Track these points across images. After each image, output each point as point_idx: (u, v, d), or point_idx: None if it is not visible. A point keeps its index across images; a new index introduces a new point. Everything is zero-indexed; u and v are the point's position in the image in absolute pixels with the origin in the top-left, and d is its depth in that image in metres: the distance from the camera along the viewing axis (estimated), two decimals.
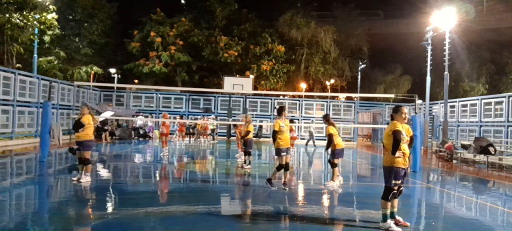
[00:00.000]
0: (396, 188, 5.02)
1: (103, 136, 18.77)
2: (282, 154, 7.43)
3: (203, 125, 22.15)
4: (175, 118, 19.60)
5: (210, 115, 24.99)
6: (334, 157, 8.12)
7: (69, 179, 7.92)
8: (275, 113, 8.20)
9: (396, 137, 4.91)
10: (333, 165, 8.15)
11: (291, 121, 21.68)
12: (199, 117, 24.52)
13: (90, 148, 7.87)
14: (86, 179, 7.58)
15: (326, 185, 8.25)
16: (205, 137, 22.52)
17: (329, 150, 8.20)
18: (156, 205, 6.23)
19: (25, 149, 14.41)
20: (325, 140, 9.86)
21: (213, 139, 22.98)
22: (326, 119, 8.46)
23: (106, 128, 19.33)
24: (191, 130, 22.71)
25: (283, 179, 7.73)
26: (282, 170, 7.54)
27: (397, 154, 4.91)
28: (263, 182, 7.96)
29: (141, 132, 22.67)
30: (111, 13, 33.37)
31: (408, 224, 5.17)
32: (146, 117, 24.27)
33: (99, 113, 20.00)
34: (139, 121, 22.76)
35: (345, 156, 10.01)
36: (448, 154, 15.76)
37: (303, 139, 23.63)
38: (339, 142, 8.15)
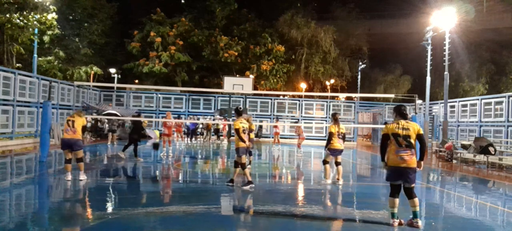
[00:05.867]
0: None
1: (110, 136, 18.41)
2: (244, 154, 7.62)
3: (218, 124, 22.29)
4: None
5: (224, 116, 24.89)
6: (328, 154, 8.41)
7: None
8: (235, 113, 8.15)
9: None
10: (325, 162, 8.49)
11: (296, 122, 21.74)
12: (209, 116, 24.57)
13: (82, 147, 8.08)
14: (83, 177, 7.78)
15: (321, 183, 8.54)
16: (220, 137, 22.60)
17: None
18: (156, 205, 6.22)
19: (25, 149, 14.41)
20: (323, 140, 9.91)
21: (217, 138, 23.03)
22: (333, 117, 8.68)
23: (114, 128, 19.04)
24: (198, 130, 22.73)
25: (234, 177, 7.91)
26: (239, 169, 7.64)
27: None
28: (263, 182, 8.00)
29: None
30: (111, 13, 33.34)
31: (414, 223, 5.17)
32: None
33: (98, 112, 19.91)
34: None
35: (345, 156, 10.03)
36: (448, 154, 15.75)
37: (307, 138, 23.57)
38: (335, 142, 8.30)
